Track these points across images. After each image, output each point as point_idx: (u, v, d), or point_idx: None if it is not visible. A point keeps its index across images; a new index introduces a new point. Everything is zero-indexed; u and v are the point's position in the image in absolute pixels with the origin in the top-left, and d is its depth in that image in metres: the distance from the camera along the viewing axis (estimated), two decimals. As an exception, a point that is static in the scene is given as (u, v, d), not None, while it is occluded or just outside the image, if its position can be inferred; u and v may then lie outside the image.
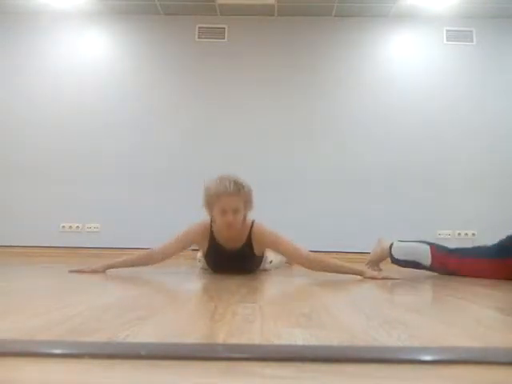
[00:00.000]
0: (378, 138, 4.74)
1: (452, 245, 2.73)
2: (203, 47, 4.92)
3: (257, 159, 4.73)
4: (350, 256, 4.26)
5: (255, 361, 0.62)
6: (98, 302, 1.22)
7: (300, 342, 0.74)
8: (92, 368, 0.57)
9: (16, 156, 4.77)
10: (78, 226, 4.66)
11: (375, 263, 2.73)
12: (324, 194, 4.66)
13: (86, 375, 0.55)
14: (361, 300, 1.52)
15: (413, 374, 0.58)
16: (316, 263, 2.23)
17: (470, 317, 1.11)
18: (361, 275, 2.19)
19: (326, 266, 2.25)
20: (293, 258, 2.26)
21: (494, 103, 4.76)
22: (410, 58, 4.89)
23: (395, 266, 2.68)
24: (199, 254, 2.61)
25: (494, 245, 2.42)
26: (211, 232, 2.26)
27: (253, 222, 2.30)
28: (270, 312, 1.08)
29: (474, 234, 4.52)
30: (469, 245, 2.90)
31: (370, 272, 2.20)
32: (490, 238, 2.53)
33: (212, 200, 2.14)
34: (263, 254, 2.45)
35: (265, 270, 2.61)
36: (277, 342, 0.74)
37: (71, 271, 2.23)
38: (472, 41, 4.85)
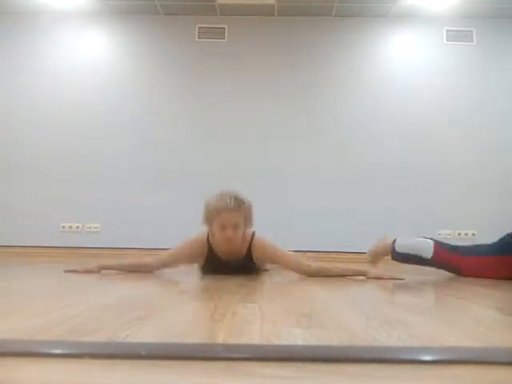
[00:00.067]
0: (378, 137, 4.74)
1: (452, 245, 2.74)
2: (203, 47, 4.92)
3: (257, 159, 4.73)
4: (350, 256, 4.26)
5: (255, 361, 0.62)
6: (98, 302, 1.22)
7: (300, 342, 0.74)
8: (92, 368, 0.57)
9: (16, 156, 4.77)
10: (78, 226, 4.66)
11: (375, 257, 2.74)
12: (324, 194, 4.66)
13: (86, 375, 0.55)
14: (361, 300, 1.52)
15: (413, 373, 0.58)
16: (318, 272, 2.25)
17: (470, 317, 1.11)
18: (364, 275, 2.20)
19: (329, 272, 2.27)
20: (295, 271, 2.27)
21: (494, 103, 4.76)
22: (410, 58, 4.89)
23: (396, 267, 2.67)
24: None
25: (495, 242, 2.43)
26: (209, 245, 2.25)
27: (253, 235, 2.28)
28: (270, 312, 1.08)
29: (474, 234, 4.52)
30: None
31: (373, 272, 2.20)
32: (490, 237, 2.54)
33: (212, 215, 2.14)
34: (264, 264, 2.44)
35: (265, 270, 2.61)
36: (277, 342, 0.74)
37: (66, 271, 2.23)
38: (472, 41, 4.86)
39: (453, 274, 2.53)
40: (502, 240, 2.41)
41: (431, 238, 2.64)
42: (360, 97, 4.82)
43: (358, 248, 4.28)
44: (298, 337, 0.78)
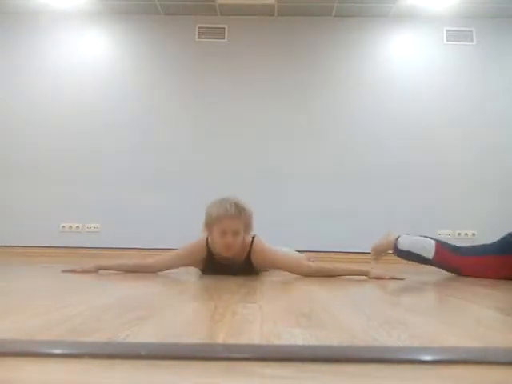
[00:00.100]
0: (378, 137, 4.74)
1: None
2: (203, 47, 4.92)
3: (257, 159, 4.73)
4: (350, 256, 4.26)
5: (255, 361, 0.62)
6: (98, 302, 1.22)
7: (300, 342, 0.74)
8: (92, 368, 0.57)
9: (16, 156, 4.77)
10: (78, 226, 4.66)
11: (378, 252, 2.76)
12: (324, 194, 4.66)
13: (86, 375, 0.55)
14: (361, 300, 1.52)
15: (413, 373, 0.58)
16: (319, 273, 2.26)
17: (470, 317, 1.11)
18: (365, 275, 2.20)
19: (329, 272, 2.28)
20: (296, 273, 2.27)
21: (494, 103, 4.76)
22: (410, 58, 4.89)
23: (397, 267, 2.68)
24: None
25: (496, 241, 2.43)
26: (208, 249, 2.26)
27: (253, 240, 2.28)
28: (270, 312, 1.08)
29: (473, 234, 4.52)
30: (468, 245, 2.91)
31: (374, 272, 2.20)
32: (490, 237, 2.54)
33: (212, 221, 2.14)
34: (264, 268, 2.44)
35: (265, 270, 2.60)
36: (277, 342, 0.74)
37: (64, 271, 2.24)
38: (472, 41, 4.86)
39: (453, 274, 2.53)
40: (503, 239, 2.41)
41: (432, 238, 2.65)
42: (360, 97, 4.82)
43: (357, 248, 4.28)
44: (297, 337, 0.78)
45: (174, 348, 0.67)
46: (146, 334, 0.79)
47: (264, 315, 1.02)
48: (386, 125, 4.76)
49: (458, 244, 2.64)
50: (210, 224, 2.17)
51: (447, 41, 4.88)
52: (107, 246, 4.47)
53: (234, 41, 4.93)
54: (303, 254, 3.17)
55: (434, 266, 2.58)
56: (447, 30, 4.88)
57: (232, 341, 0.74)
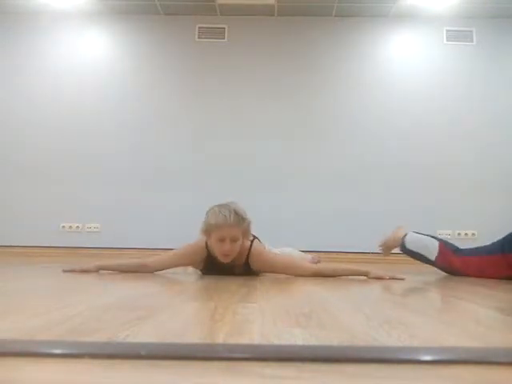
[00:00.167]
0: (377, 137, 4.74)
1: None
2: (203, 47, 4.92)
3: (257, 159, 4.73)
4: (350, 256, 4.27)
5: (255, 361, 0.62)
6: (98, 302, 1.22)
7: (300, 342, 0.74)
8: (92, 368, 0.57)
9: (16, 156, 4.77)
10: (78, 226, 4.66)
11: (386, 248, 2.80)
12: (324, 194, 4.66)
13: (86, 375, 0.55)
14: (361, 300, 1.52)
15: (413, 374, 0.58)
16: (319, 273, 2.27)
17: (470, 317, 1.11)
18: (365, 275, 2.20)
19: (332, 272, 2.29)
20: (296, 275, 2.27)
21: (494, 103, 4.76)
22: (410, 58, 4.89)
23: (398, 266, 2.68)
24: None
25: (497, 241, 2.43)
26: (208, 251, 2.26)
27: (251, 245, 2.27)
28: (270, 312, 1.08)
29: (473, 234, 4.52)
30: (469, 245, 2.91)
31: (374, 272, 2.21)
32: (490, 238, 2.54)
33: (211, 228, 2.14)
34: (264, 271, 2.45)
35: (265, 272, 2.60)
36: (277, 342, 0.74)
37: (65, 271, 2.24)
38: (472, 41, 4.86)
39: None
40: (504, 239, 2.41)
41: (438, 238, 2.66)
42: (360, 97, 4.82)
43: (357, 248, 4.29)
44: (297, 337, 0.78)
45: (174, 348, 0.67)
46: (146, 334, 0.79)
47: (264, 315, 1.02)
48: (386, 125, 4.76)
49: (458, 244, 2.64)
50: (208, 230, 2.17)
51: (447, 41, 4.88)
52: (107, 246, 4.46)
53: (234, 41, 4.93)
54: (309, 256, 3.17)
55: (436, 266, 2.58)
56: (447, 30, 4.88)
57: (232, 341, 0.74)
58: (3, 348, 0.64)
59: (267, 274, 2.45)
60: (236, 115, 4.83)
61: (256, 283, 1.91)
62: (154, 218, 4.62)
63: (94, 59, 4.93)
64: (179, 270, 2.49)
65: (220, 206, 2.19)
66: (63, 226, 4.66)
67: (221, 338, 0.76)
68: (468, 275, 2.43)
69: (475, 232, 4.52)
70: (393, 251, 2.84)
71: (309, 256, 3.16)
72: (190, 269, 2.58)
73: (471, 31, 4.86)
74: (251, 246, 2.27)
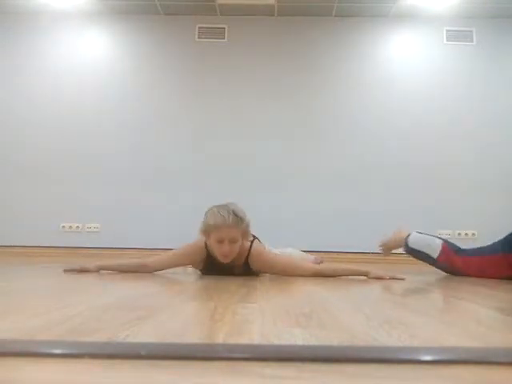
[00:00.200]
0: (377, 137, 4.74)
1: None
2: (203, 47, 4.92)
3: (257, 159, 4.73)
4: (350, 256, 4.26)
5: (255, 361, 0.61)
6: (98, 302, 1.22)
7: (300, 342, 0.74)
8: (92, 368, 0.57)
9: (16, 156, 4.77)
10: (78, 226, 4.66)
11: (387, 249, 2.78)
12: (324, 194, 4.66)
13: (86, 375, 0.55)
14: (361, 300, 1.52)
15: (413, 374, 0.58)
16: (319, 273, 2.26)
17: (470, 317, 1.11)
18: (366, 276, 2.20)
19: (332, 272, 2.29)
20: (296, 275, 2.27)
21: (494, 103, 4.76)
22: (410, 58, 4.89)
23: (398, 266, 2.68)
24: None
25: (498, 241, 2.43)
26: (207, 251, 2.26)
27: (251, 246, 2.27)
28: (270, 312, 1.08)
29: (474, 234, 4.52)
30: (469, 245, 2.91)
31: (374, 272, 2.21)
32: (490, 238, 2.54)
33: (210, 229, 2.13)
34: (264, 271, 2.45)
35: (266, 272, 2.60)
36: (277, 342, 0.74)
37: (66, 270, 2.24)
38: (472, 41, 4.86)
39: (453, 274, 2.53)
40: (505, 239, 2.41)
41: (441, 238, 2.66)
42: (360, 97, 4.82)
43: (357, 248, 4.29)
44: (297, 337, 0.78)
45: (173, 348, 0.67)
46: (146, 334, 0.79)
47: (264, 315, 1.02)
48: (386, 125, 4.76)
49: (458, 244, 2.65)
50: (207, 231, 2.16)
51: (447, 41, 4.88)
52: (107, 246, 4.46)
53: (234, 41, 4.93)
54: (312, 256, 3.17)
55: (437, 265, 2.58)
56: (447, 30, 4.88)
57: (232, 341, 0.74)
58: (3, 348, 0.64)
59: (267, 274, 2.45)
60: (236, 115, 4.83)
61: (256, 283, 1.91)
62: (154, 218, 4.62)
63: (93, 59, 4.93)
64: (179, 269, 2.50)
65: (219, 206, 2.18)
66: (63, 226, 4.66)
67: (221, 338, 0.76)
68: (469, 275, 2.43)
69: (475, 232, 4.52)
70: (393, 251, 2.84)
71: (311, 256, 3.15)
72: (190, 269, 2.58)
73: (471, 31, 4.86)
74: (251, 246, 2.27)
